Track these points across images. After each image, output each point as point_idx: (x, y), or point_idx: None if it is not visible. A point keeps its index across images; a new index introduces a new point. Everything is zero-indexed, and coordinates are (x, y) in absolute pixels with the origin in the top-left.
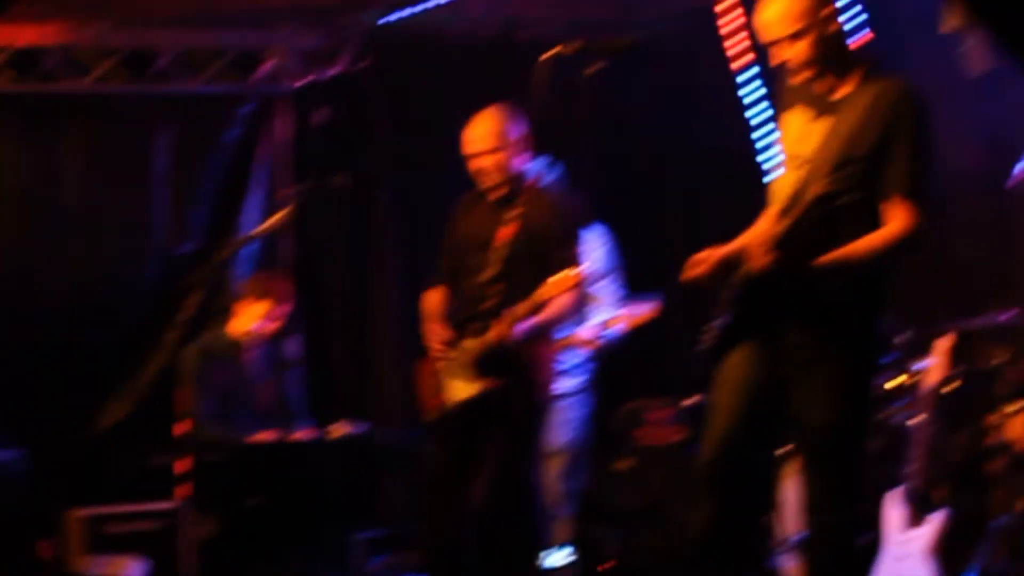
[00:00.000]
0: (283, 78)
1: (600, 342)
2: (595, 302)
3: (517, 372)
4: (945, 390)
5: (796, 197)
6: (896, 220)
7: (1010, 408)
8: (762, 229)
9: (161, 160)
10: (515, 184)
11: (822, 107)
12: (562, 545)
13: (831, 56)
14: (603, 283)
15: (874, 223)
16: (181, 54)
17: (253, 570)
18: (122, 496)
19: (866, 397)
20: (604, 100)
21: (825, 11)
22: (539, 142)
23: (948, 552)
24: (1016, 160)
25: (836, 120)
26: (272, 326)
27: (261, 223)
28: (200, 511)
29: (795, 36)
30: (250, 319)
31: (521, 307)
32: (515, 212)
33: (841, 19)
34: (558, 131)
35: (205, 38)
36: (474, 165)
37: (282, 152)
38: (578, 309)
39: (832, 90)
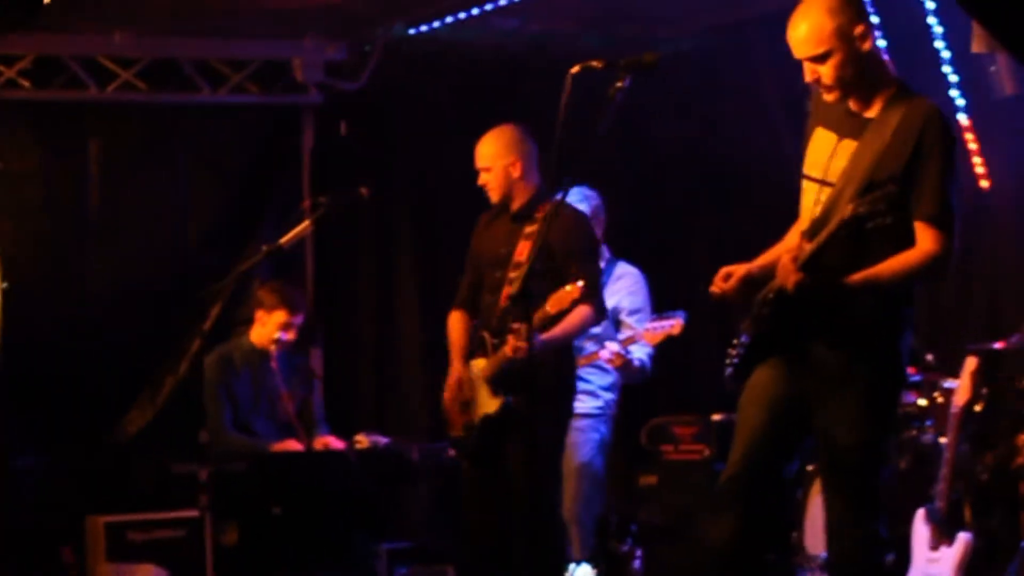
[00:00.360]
0: (306, 89)
1: (623, 359)
2: (626, 331)
3: (535, 387)
4: (973, 410)
5: (823, 218)
6: (922, 243)
7: None
8: (788, 247)
9: (183, 170)
10: (532, 200)
11: (850, 126)
12: (582, 562)
13: (860, 76)
14: (635, 319)
15: (904, 245)
16: (203, 64)
17: None
18: (145, 504)
19: (892, 417)
20: (630, 116)
21: (858, 30)
22: (565, 157)
23: (975, 572)
24: None
25: (862, 142)
26: (288, 336)
27: (283, 234)
28: (222, 520)
29: (821, 58)
30: (266, 329)
31: (534, 320)
32: (533, 228)
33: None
34: (584, 146)
35: (228, 49)
36: (480, 180)
37: (304, 163)
38: (593, 322)
39: (861, 109)
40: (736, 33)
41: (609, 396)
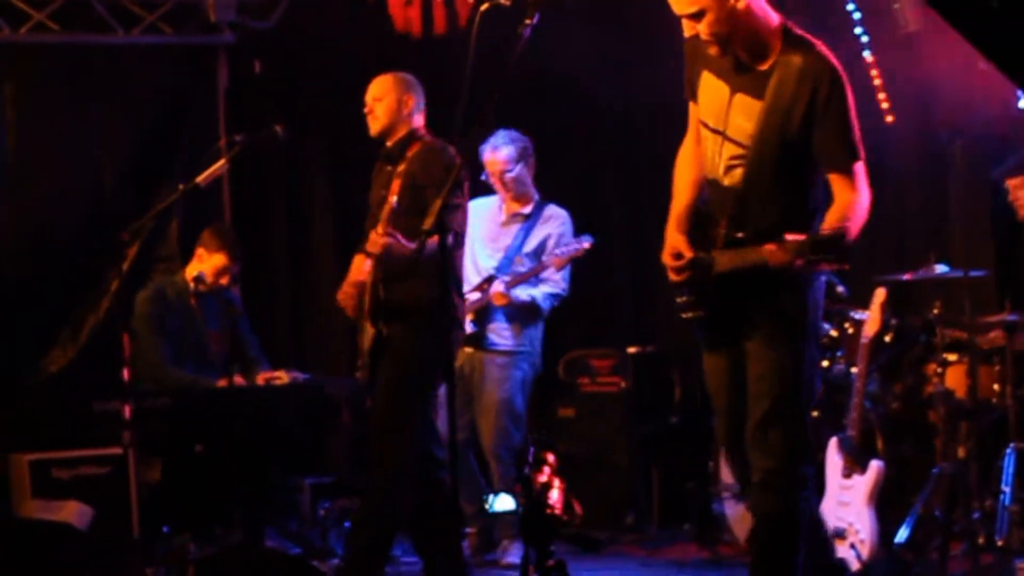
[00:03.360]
0: (219, 29)
1: (507, 298)
2: (544, 272)
3: (401, 321)
4: (883, 341)
5: (743, 194)
6: (843, 194)
7: (949, 357)
8: (688, 184)
9: (98, 111)
10: (404, 140)
11: (742, 80)
12: (501, 491)
13: (739, 32)
14: (552, 258)
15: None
16: (117, 5)
17: (200, 516)
18: (68, 442)
19: (808, 354)
20: (539, 54)
21: None
22: (474, 95)
23: (886, 499)
24: (949, 115)
25: (767, 102)
26: (224, 281)
27: (199, 173)
28: (145, 457)
29: (696, 16)
30: (203, 268)
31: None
32: (401, 168)
33: None
34: (494, 83)
35: None
36: (367, 107)
37: (219, 103)
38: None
39: (752, 62)
40: None
41: (530, 333)
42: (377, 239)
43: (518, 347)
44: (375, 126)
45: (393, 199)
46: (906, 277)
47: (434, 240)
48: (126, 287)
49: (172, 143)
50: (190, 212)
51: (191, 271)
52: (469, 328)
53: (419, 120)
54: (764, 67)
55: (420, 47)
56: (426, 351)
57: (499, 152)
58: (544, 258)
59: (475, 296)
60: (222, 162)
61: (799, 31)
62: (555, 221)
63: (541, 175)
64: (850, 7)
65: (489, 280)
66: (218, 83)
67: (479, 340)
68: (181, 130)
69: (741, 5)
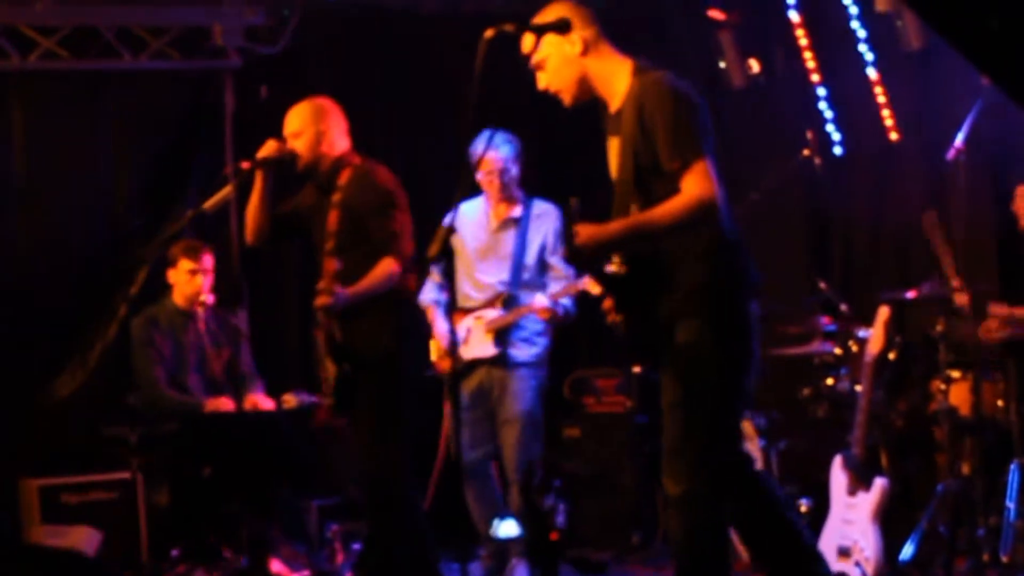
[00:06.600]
0: (226, 54)
1: (554, 312)
2: (553, 274)
3: (361, 359)
4: (887, 358)
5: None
6: (683, 190)
7: (953, 374)
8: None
9: (107, 137)
10: (334, 168)
11: (612, 124)
12: (507, 516)
13: (582, 76)
14: (558, 257)
15: None
16: (124, 31)
17: (208, 538)
18: (78, 466)
19: (721, 376)
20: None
21: (569, 35)
22: (480, 119)
23: (892, 516)
24: (954, 132)
25: (621, 137)
26: (205, 281)
27: (207, 198)
28: (153, 481)
29: (536, 67)
30: (180, 283)
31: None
32: (336, 198)
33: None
34: (500, 108)
35: (148, 15)
36: (289, 145)
37: (226, 127)
38: (397, 271)
39: (612, 107)
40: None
41: (543, 341)
42: (323, 296)
43: (533, 357)
44: (300, 161)
45: (333, 231)
46: (910, 294)
47: (387, 271)
48: (134, 312)
49: (182, 167)
50: (200, 237)
51: (177, 296)
52: (492, 349)
53: (342, 144)
54: (620, 106)
55: (425, 67)
56: (398, 389)
57: (499, 150)
58: (561, 266)
59: (491, 314)
60: (229, 188)
61: (647, 66)
62: (546, 218)
63: (540, 183)
64: (854, 25)
65: (500, 297)
66: (225, 107)
67: (501, 358)
68: (190, 154)
69: (575, 50)
